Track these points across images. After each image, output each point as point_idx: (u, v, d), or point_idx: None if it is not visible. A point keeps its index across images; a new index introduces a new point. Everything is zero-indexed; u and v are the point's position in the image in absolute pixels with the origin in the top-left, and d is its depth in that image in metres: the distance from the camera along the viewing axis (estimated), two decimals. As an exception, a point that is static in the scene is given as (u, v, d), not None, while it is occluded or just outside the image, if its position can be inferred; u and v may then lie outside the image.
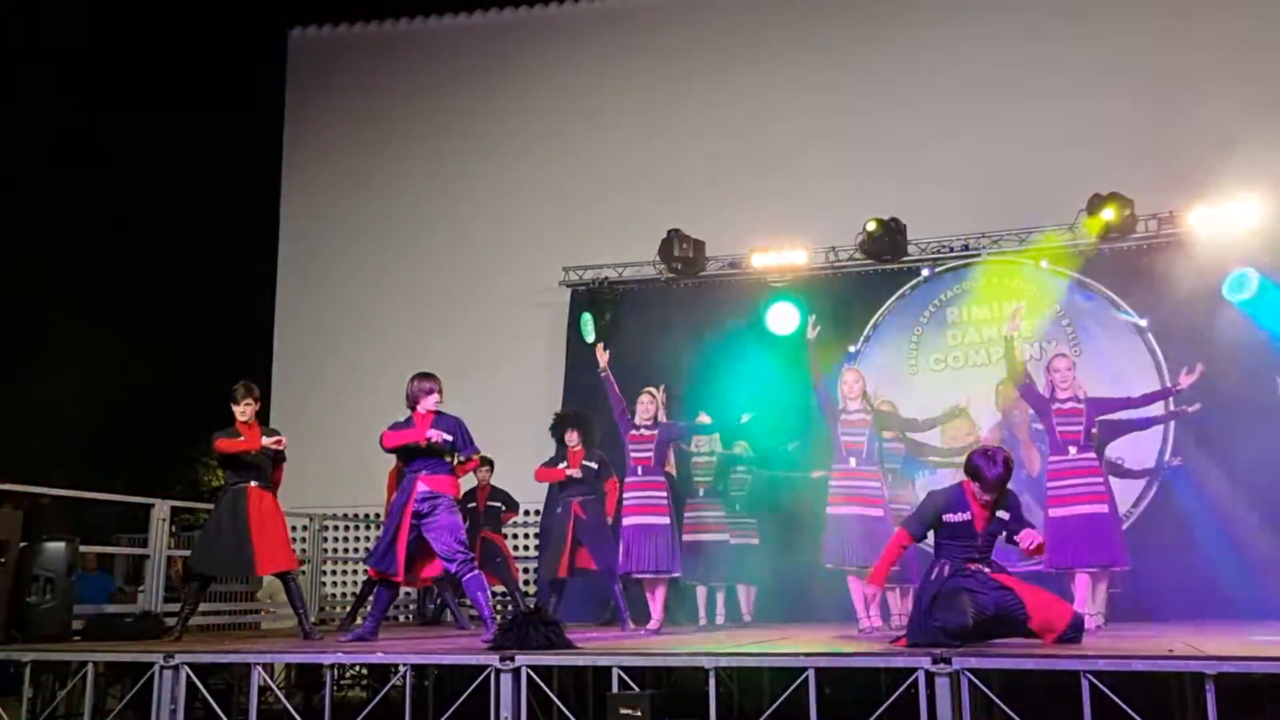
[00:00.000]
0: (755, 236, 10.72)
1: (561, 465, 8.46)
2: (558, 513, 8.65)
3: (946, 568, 5.71)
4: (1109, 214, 9.67)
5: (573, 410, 9.39)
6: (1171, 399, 7.56)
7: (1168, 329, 9.46)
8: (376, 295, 12.38)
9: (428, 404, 6.73)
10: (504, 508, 10.00)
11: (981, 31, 11.16)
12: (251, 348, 12.40)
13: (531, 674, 5.32)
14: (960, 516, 5.73)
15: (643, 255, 11.12)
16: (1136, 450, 8.67)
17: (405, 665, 5.52)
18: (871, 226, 10.31)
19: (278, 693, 5.77)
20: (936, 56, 11.18)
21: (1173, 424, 8.35)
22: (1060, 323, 9.88)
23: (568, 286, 11.45)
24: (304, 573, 10.90)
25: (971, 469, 5.68)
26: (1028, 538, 5.65)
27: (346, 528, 11.70)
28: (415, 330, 12.00)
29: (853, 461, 7.30)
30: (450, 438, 6.59)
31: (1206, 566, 8.24)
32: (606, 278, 11.30)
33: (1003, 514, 5.77)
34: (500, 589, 9.99)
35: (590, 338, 10.51)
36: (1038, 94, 10.63)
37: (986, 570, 5.70)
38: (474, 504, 10.12)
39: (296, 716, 5.52)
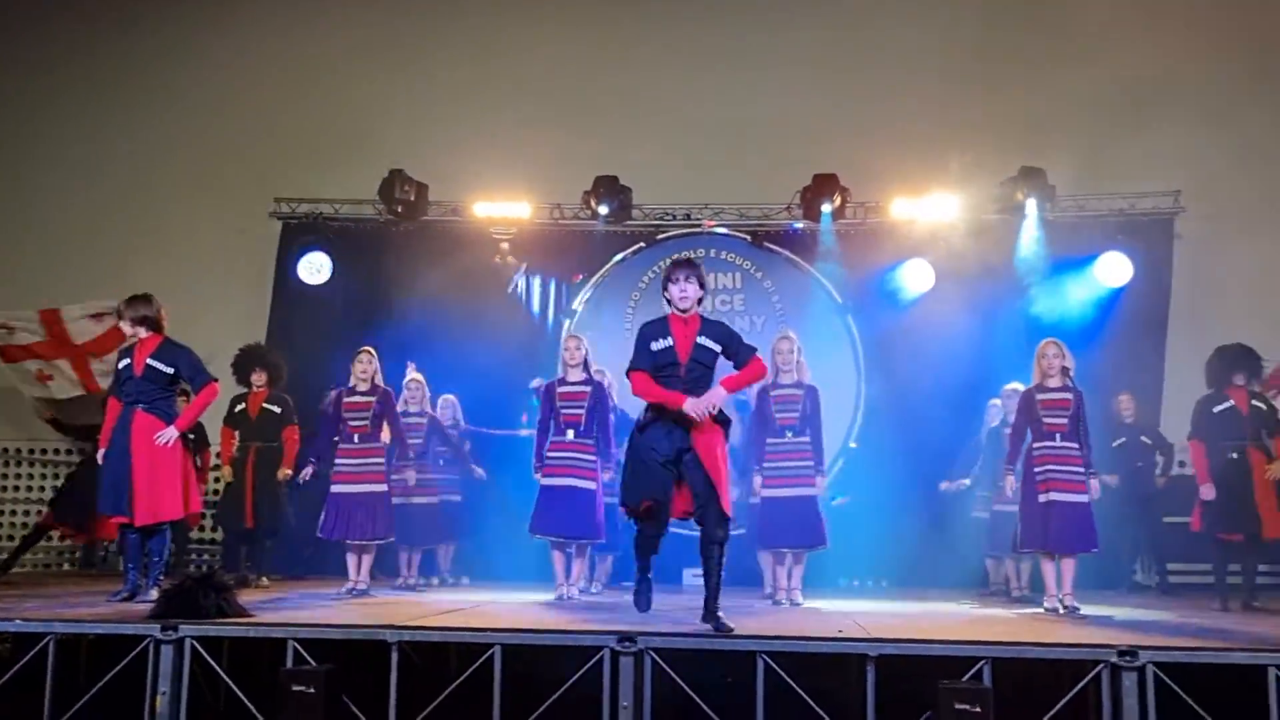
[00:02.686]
0: (481, 185, 10.41)
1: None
2: (235, 458, 8.12)
3: (649, 411, 5.31)
4: (824, 197, 10.07)
5: (259, 347, 8.79)
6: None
7: (866, 312, 10.05)
8: (66, 210, 11.12)
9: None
10: None
11: (728, 5, 11.24)
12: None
13: (197, 645, 4.92)
14: (662, 343, 5.25)
15: (362, 193, 10.57)
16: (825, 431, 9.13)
17: (50, 635, 4.94)
18: (597, 187, 10.26)
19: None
20: (679, 24, 11.18)
21: (861, 407, 8.79)
22: (771, 299, 10.25)
23: (278, 219, 10.74)
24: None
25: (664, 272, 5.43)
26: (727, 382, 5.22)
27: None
28: (109, 252, 10.87)
29: (570, 434, 7.08)
30: None
31: (883, 539, 8.76)
32: (321, 213, 10.68)
33: (710, 343, 5.27)
34: None
35: None
36: (771, 73, 10.85)
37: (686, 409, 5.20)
38: None
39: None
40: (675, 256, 5.16)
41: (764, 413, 7.19)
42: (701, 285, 5.35)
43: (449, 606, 6.31)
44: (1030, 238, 9.75)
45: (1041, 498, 6.60)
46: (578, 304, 10.33)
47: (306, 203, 10.67)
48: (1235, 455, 7.37)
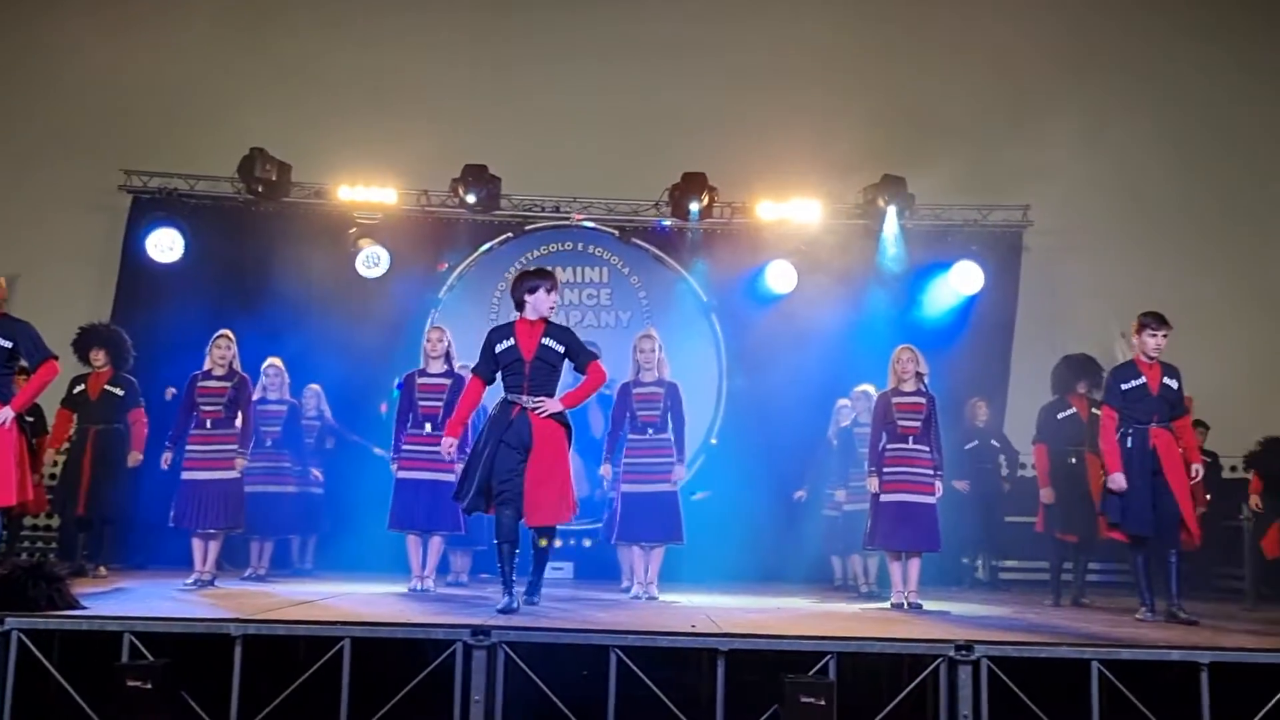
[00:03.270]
0: (346, 168, 10.16)
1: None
2: (73, 441, 7.75)
3: (498, 406, 5.66)
4: (693, 195, 10.16)
5: (102, 325, 8.39)
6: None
7: (730, 311, 10.19)
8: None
9: None
10: None
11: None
12: None
13: (24, 639, 4.67)
14: (505, 344, 5.67)
15: (220, 170, 10.19)
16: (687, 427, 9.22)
17: None
18: (466, 175, 10.14)
19: None
20: (553, 15, 11.08)
21: (722, 404, 8.91)
22: (637, 295, 10.30)
23: (129, 192, 10.27)
24: None
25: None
26: (567, 398, 5.68)
27: None
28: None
29: (428, 427, 6.97)
30: None
31: (739, 535, 8.88)
32: (176, 188, 10.26)
33: (554, 344, 5.67)
34: None
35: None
36: (643, 69, 10.83)
37: (529, 406, 5.59)
38: None
39: None
40: (538, 267, 5.56)
41: (625, 409, 7.20)
42: None
43: (299, 598, 6.14)
44: (889, 244, 10.04)
45: (889, 498, 6.81)
46: (442, 293, 10.20)
47: (159, 177, 10.23)
48: (1074, 460, 7.75)
